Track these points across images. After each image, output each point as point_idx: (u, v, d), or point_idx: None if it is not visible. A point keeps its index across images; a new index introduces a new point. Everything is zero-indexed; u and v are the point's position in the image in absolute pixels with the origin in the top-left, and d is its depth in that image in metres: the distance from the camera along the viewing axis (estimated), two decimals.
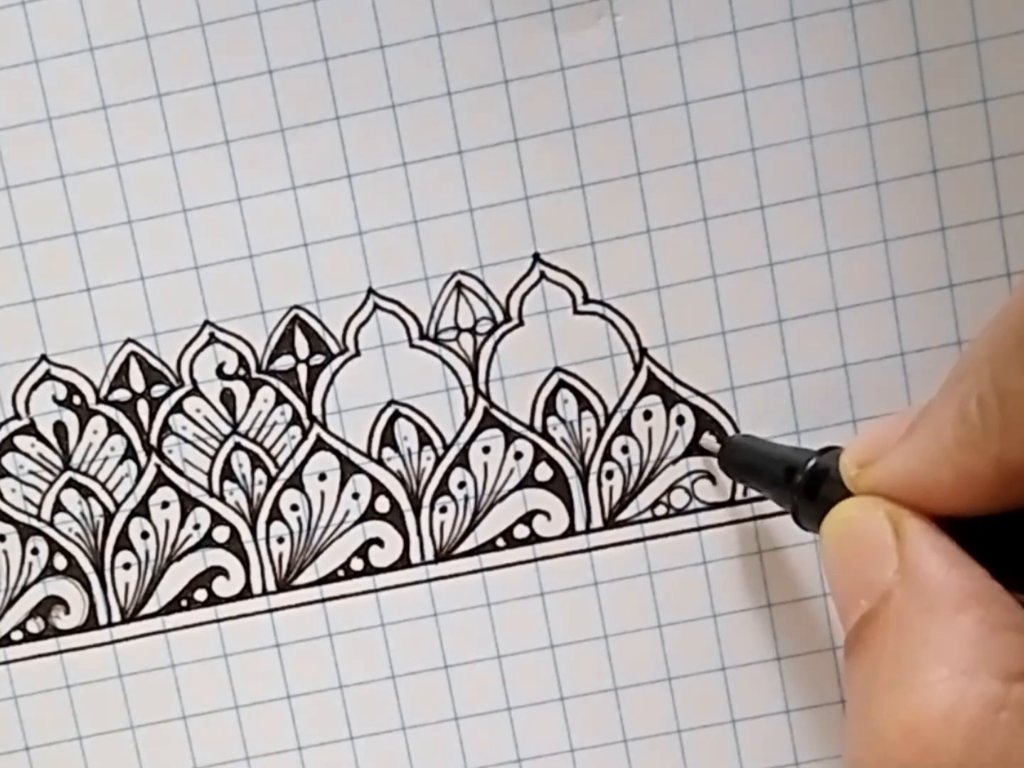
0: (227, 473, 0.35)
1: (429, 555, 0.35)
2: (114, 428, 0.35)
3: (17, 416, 0.35)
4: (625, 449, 0.34)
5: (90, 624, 0.35)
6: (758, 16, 0.33)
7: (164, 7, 0.33)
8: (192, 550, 0.35)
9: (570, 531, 0.34)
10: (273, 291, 0.34)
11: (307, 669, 0.35)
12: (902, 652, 0.19)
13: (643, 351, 0.34)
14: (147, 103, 0.34)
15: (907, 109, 0.33)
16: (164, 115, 0.34)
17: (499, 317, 0.34)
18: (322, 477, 0.35)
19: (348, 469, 0.35)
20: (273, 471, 0.35)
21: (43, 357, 0.35)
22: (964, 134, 0.33)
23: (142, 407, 0.35)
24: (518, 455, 0.34)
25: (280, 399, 0.34)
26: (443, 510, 0.35)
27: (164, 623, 0.35)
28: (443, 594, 0.35)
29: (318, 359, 0.34)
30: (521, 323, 0.34)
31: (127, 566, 0.35)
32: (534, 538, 0.35)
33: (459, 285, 0.34)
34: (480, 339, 0.34)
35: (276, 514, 0.35)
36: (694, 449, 0.34)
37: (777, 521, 0.34)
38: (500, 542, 0.35)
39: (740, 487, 0.34)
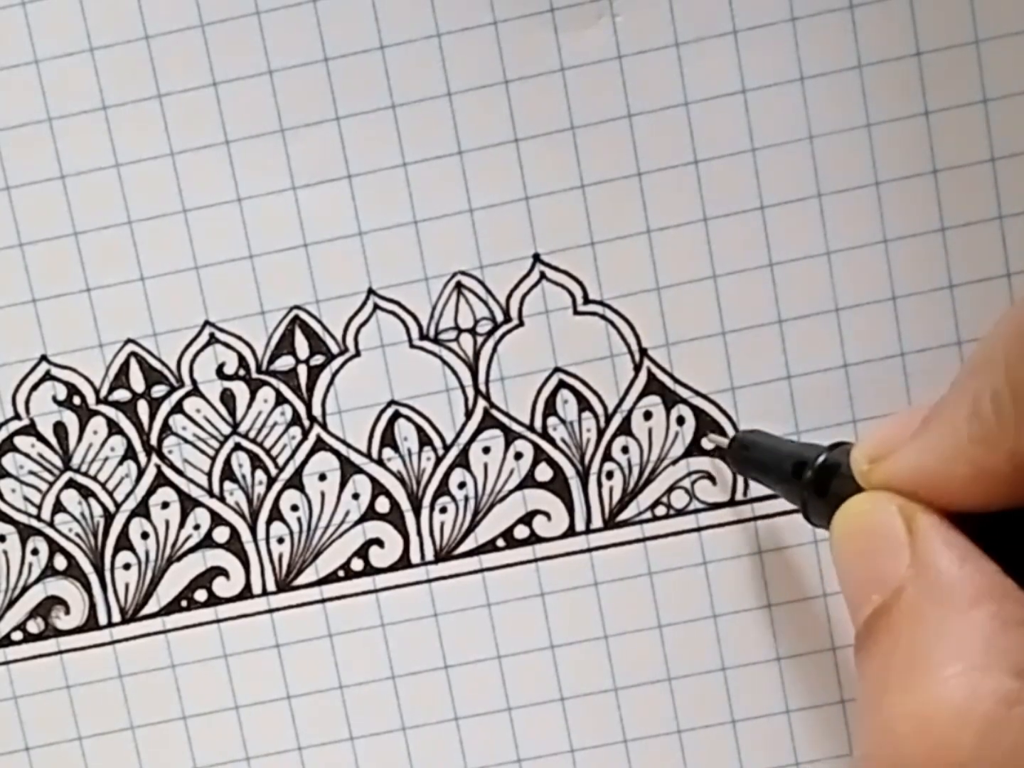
0: (227, 473, 0.35)
1: (429, 555, 0.35)
2: (114, 428, 0.35)
3: (17, 416, 0.35)
4: (625, 449, 0.34)
5: (90, 624, 0.35)
6: (758, 16, 0.33)
7: (164, 7, 0.33)
8: (192, 550, 0.35)
9: (570, 531, 0.34)
10: (273, 291, 0.34)
11: (307, 669, 0.35)
12: (914, 647, 0.19)
13: (643, 351, 0.34)
14: (147, 103, 0.34)
15: (907, 109, 0.33)
16: (164, 115, 0.34)
17: (499, 317, 0.34)
18: (322, 477, 0.35)
19: (348, 469, 0.35)
20: (273, 471, 0.35)
21: (43, 357, 0.35)
22: (964, 134, 0.33)
23: (142, 407, 0.35)
24: (518, 455, 0.34)
25: (280, 399, 0.35)
26: (443, 510, 0.35)
27: (164, 623, 0.35)
28: (443, 594, 0.35)
29: (318, 359, 0.34)
30: (521, 323, 0.34)
31: (127, 566, 0.35)
32: (534, 538, 0.35)
33: (459, 285, 0.34)
34: (480, 339, 0.34)
35: (276, 514, 0.35)
36: (695, 449, 0.34)
37: (777, 521, 0.34)
38: (500, 542, 0.35)
39: (740, 487, 0.34)
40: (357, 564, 0.35)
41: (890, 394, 0.34)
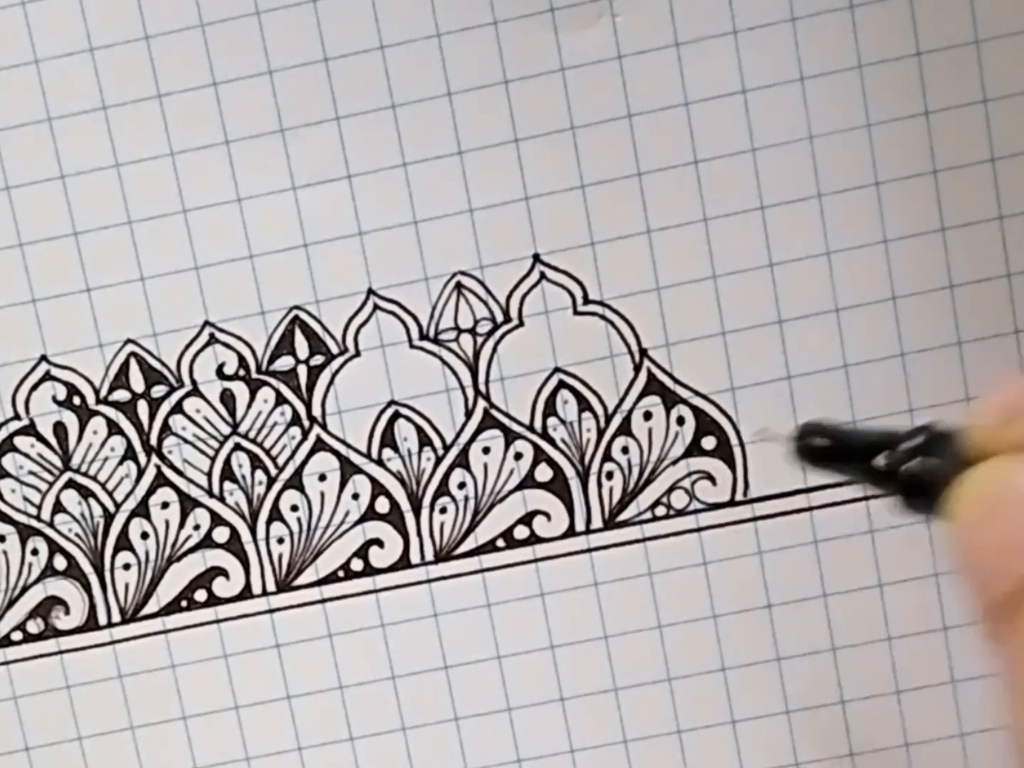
0: (227, 474, 0.35)
1: (429, 556, 0.35)
2: (114, 429, 0.35)
3: (17, 416, 0.35)
4: (625, 450, 0.34)
5: (90, 624, 0.35)
6: (758, 17, 0.33)
7: (164, 8, 0.33)
8: (192, 551, 0.35)
9: (570, 532, 0.34)
10: (273, 292, 0.34)
11: (307, 669, 0.35)
12: None
13: (643, 352, 0.34)
14: (147, 103, 0.34)
15: (907, 110, 0.33)
16: (164, 115, 0.34)
17: (499, 318, 0.34)
18: (322, 478, 0.35)
19: (348, 470, 0.35)
20: (273, 472, 0.35)
21: (43, 358, 0.34)
22: (964, 135, 0.33)
23: (142, 408, 0.35)
24: (518, 456, 0.34)
25: (280, 399, 0.34)
26: (443, 511, 0.35)
27: (164, 623, 0.35)
28: (443, 595, 0.35)
29: (318, 360, 0.34)
30: (521, 324, 0.34)
31: (127, 566, 0.35)
32: (534, 539, 0.35)
33: (459, 286, 0.34)
34: (480, 340, 0.34)
35: (276, 515, 0.35)
36: (695, 450, 0.34)
37: (777, 522, 0.34)
38: (500, 543, 0.35)
39: (740, 487, 0.34)
40: (357, 564, 0.35)
41: (890, 394, 0.34)
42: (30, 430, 0.35)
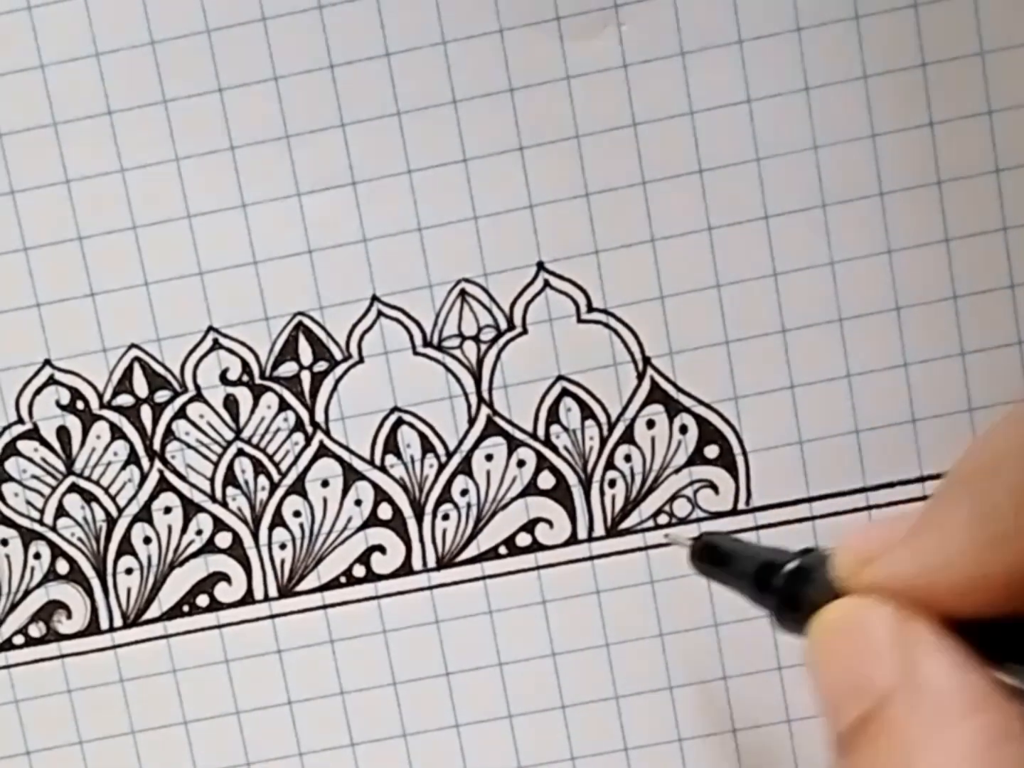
0: (230, 479, 0.35)
1: (431, 562, 0.35)
2: (117, 433, 0.35)
3: (20, 420, 0.35)
4: (628, 458, 0.34)
5: (92, 629, 0.35)
6: (763, 26, 0.33)
7: (170, 13, 0.33)
8: (194, 555, 0.35)
9: (572, 539, 0.34)
10: (277, 297, 0.34)
11: (308, 675, 0.35)
12: (901, 759, 0.19)
13: (646, 360, 0.34)
14: (152, 108, 0.34)
15: (912, 120, 0.33)
16: (169, 121, 0.34)
17: (503, 325, 0.34)
18: (325, 483, 0.35)
19: (351, 476, 0.35)
20: (276, 477, 0.35)
21: (47, 362, 0.35)
22: (969, 145, 0.33)
23: (145, 412, 0.35)
24: (521, 463, 0.34)
25: (283, 405, 0.35)
26: (445, 517, 0.35)
27: (166, 628, 0.35)
28: (445, 601, 0.35)
29: (322, 365, 0.34)
30: (525, 331, 0.34)
31: (129, 571, 0.35)
32: (536, 546, 0.35)
33: (463, 293, 0.34)
34: (484, 347, 0.34)
35: (278, 520, 0.35)
36: (697, 458, 0.34)
37: (779, 531, 0.34)
38: (502, 550, 0.35)
39: (743, 497, 0.34)
40: (359, 570, 0.35)
41: (893, 405, 0.34)
42: (33, 434, 0.35)
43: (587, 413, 0.34)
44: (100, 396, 0.35)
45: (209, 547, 0.35)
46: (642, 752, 0.35)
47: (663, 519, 0.34)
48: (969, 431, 0.34)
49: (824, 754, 0.20)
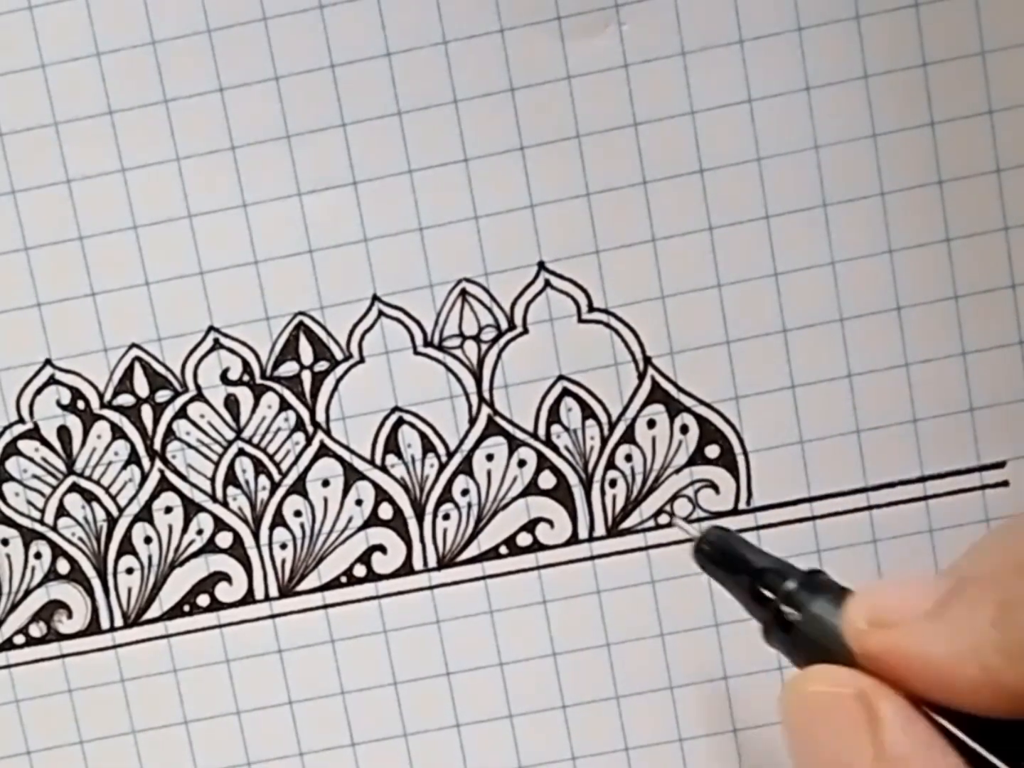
0: (230, 479, 0.35)
1: (432, 562, 0.35)
2: (118, 433, 0.35)
3: (21, 420, 0.35)
4: (629, 458, 0.34)
5: (92, 628, 0.35)
6: (764, 26, 0.33)
7: (171, 12, 0.33)
8: (195, 555, 0.35)
9: (573, 539, 0.34)
10: (278, 297, 0.34)
11: (309, 675, 0.35)
12: None
13: (647, 360, 0.34)
14: (153, 108, 0.34)
15: (913, 120, 0.33)
16: (170, 120, 0.34)
17: (504, 325, 0.34)
18: (325, 483, 0.35)
19: (351, 475, 0.35)
20: (276, 477, 0.35)
21: (47, 362, 0.35)
22: (970, 145, 0.33)
23: (146, 412, 0.35)
24: (521, 463, 0.34)
25: (284, 405, 0.35)
26: (446, 517, 0.35)
27: (167, 628, 0.35)
28: (445, 601, 0.35)
29: (322, 365, 0.34)
30: (526, 331, 0.34)
31: (130, 571, 0.35)
32: (537, 546, 0.35)
33: (464, 292, 0.34)
34: (484, 347, 0.34)
35: (279, 520, 0.35)
36: (698, 458, 0.34)
37: (780, 531, 0.34)
38: (503, 550, 0.35)
39: (744, 496, 0.34)
40: (360, 570, 0.35)
41: (893, 405, 0.34)
42: (34, 434, 0.35)
43: (588, 413, 0.34)
44: (101, 396, 0.35)
45: (210, 547, 0.35)
46: (643, 752, 0.35)
47: (664, 519, 0.34)
48: (970, 431, 0.34)
49: None
